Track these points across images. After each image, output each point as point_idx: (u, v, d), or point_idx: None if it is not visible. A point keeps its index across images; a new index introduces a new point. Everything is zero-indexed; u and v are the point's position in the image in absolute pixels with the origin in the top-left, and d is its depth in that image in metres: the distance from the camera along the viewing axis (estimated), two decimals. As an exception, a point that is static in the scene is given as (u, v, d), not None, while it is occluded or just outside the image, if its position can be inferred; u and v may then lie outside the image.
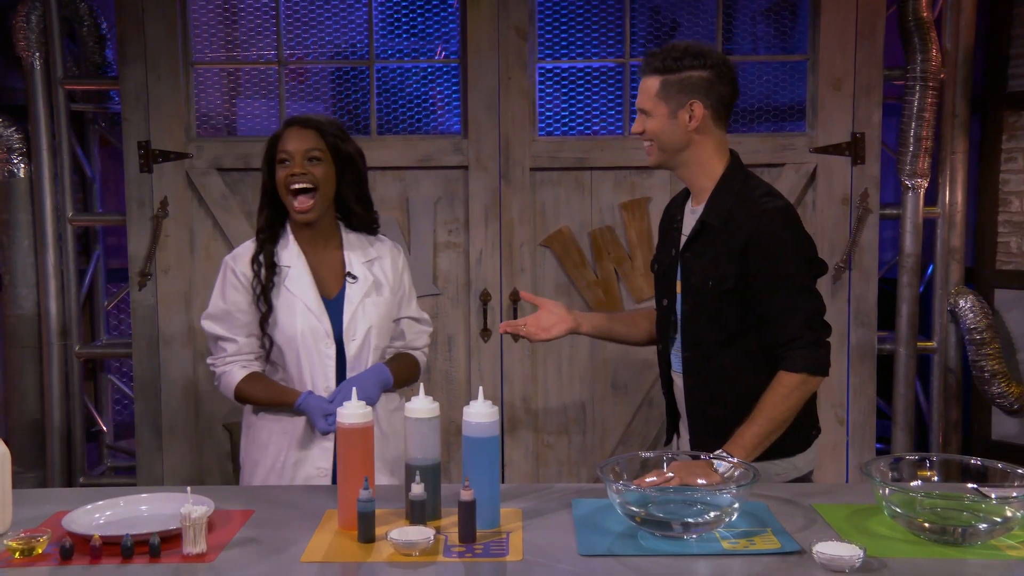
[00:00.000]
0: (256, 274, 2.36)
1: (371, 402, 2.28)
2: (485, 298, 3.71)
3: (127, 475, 4.06)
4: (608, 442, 3.80)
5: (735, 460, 2.00)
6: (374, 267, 2.48)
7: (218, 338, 2.40)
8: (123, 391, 4.20)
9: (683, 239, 2.30)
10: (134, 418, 3.86)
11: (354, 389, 1.95)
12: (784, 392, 2.12)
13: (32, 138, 3.77)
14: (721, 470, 1.98)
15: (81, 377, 3.91)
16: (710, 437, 2.22)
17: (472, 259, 3.72)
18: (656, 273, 2.42)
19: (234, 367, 2.39)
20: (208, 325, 2.41)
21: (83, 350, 3.89)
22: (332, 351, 2.38)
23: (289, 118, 2.42)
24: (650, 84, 2.21)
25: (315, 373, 2.37)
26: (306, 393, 2.32)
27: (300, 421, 2.37)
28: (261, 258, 2.38)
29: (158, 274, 3.73)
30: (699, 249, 2.24)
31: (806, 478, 2.29)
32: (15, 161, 3.78)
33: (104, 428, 4.15)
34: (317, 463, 2.38)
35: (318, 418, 2.26)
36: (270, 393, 2.38)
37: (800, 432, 2.24)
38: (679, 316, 2.28)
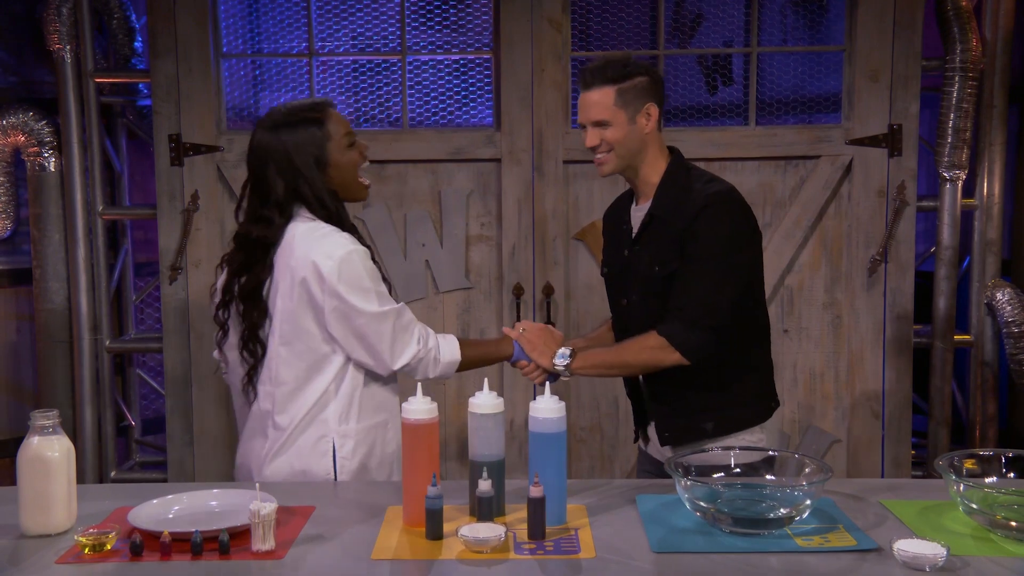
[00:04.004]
0: (381, 270, 2.32)
1: None
2: (518, 292, 3.69)
3: (156, 470, 4.05)
4: (641, 436, 3.78)
5: (569, 367, 2.28)
6: None
7: (403, 312, 2.27)
8: (150, 385, 4.18)
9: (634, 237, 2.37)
10: (161, 413, 3.84)
11: (419, 385, 1.93)
12: (642, 345, 2.24)
13: (63, 132, 3.74)
14: (558, 365, 2.29)
15: (110, 372, 3.90)
16: (673, 419, 2.33)
17: (505, 253, 3.70)
18: (608, 276, 2.49)
19: (436, 335, 2.34)
20: (386, 305, 2.23)
21: (113, 344, 3.87)
22: None
23: (322, 102, 2.32)
24: (604, 95, 2.26)
25: None
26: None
27: (393, 406, 2.35)
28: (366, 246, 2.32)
29: (189, 268, 3.71)
30: (647, 240, 2.32)
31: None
32: (46, 155, 3.76)
33: (132, 423, 4.13)
34: None
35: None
36: (481, 350, 2.42)
37: (759, 406, 2.34)
38: (633, 309, 2.36)
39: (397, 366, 2.26)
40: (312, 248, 2.21)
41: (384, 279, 2.32)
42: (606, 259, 2.50)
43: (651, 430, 2.41)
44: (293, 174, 2.25)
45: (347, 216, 2.33)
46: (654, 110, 2.27)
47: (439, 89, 3.84)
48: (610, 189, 3.70)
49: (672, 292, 2.24)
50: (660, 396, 2.36)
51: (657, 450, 2.40)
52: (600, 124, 2.27)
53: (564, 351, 2.29)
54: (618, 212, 2.48)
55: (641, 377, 2.39)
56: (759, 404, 2.35)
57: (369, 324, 2.22)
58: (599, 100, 2.25)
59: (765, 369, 2.38)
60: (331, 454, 2.27)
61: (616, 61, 2.27)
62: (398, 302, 2.30)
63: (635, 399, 2.48)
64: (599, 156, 2.31)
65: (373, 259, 2.30)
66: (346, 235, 2.26)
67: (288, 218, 2.28)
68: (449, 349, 2.34)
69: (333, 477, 2.27)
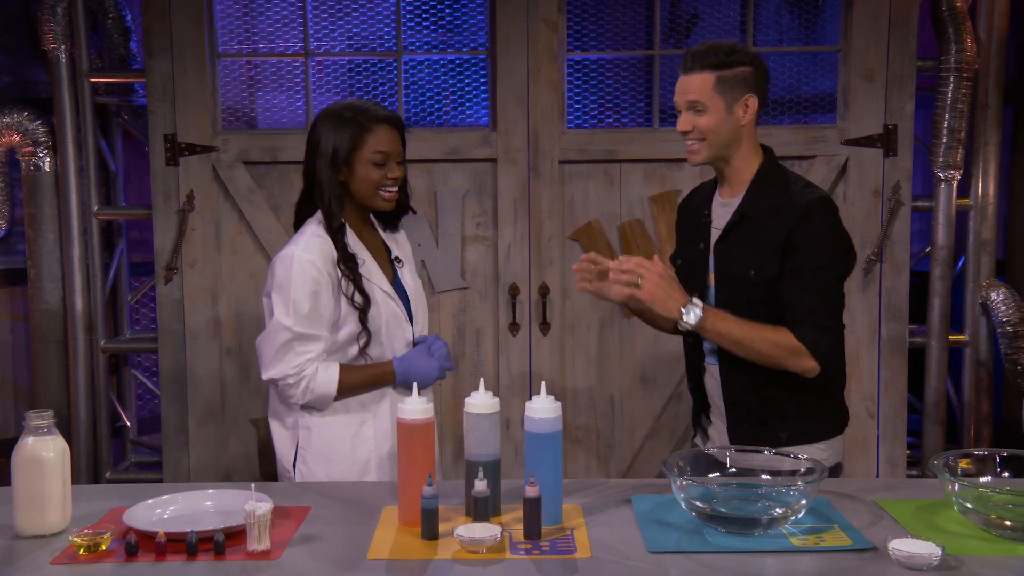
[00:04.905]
0: (344, 272, 2.31)
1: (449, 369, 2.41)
2: (514, 292, 3.69)
3: (151, 470, 4.04)
4: (637, 436, 3.79)
5: (698, 317, 2.11)
6: (401, 252, 2.53)
7: (307, 338, 2.27)
8: (145, 385, 4.17)
9: (714, 231, 2.31)
10: (156, 413, 3.83)
11: (415, 385, 1.93)
12: (776, 338, 2.15)
13: (58, 132, 3.73)
14: (688, 322, 2.10)
15: (106, 372, 3.89)
16: (747, 424, 2.28)
17: (501, 252, 3.70)
18: (680, 268, 2.42)
19: (321, 364, 2.29)
20: (297, 326, 2.26)
21: (109, 344, 3.86)
22: (410, 334, 2.42)
23: (376, 112, 2.33)
24: (704, 80, 2.21)
25: (397, 355, 2.40)
26: (395, 360, 2.35)
27: (379, 406, 2.37)
28: (345, 254, 2.32)
29: (184, 268, 3.71)
30: (736, 239, 2.26)
31: (836, 469, 2.30)
32: (41, 155, 3.75)
33: (128, 423, 4.12)
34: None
35: (434, 370, 2.34)
36: (366, 375, 2.35)
37: (835, 418, 2.31)
38: (713, 306, 2.29)
39: (265, 376, 2.31)
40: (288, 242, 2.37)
41: (363, 299, 2.32)
42: (680, 250, 2.45)
43: (714, 430, 2.37)
44: (314, 157, 2.33)
45: (337, 217, 2.33)
46: (753, 102, 2.22)
47: (435, 89, 3.84)
48: (606, 189, 3.71)
49: (791, 299, 2.17)
50: (738, 399, 2.29)
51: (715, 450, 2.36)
52: (695, 109, 2.22)
53: (696, 304, 2.12)
54: (696, 202, 2.42)
55: (720, 375, 2.31)
56: (835, 417, 2.32)
57: (270, 326, 2.29)
58: (698, 85, 2.21)
59: (842, 381, 2.33)
60: (296, 444, 2.37)
61: (721, 47, 2.22)
62: (368, 335, 2.32)
63: (699, 397, 2.41)
64: (691, 144, 2.26)
65: (350, 274, 2.31)
66: (312, 240, 2.30)
67: (312, 204, 2.37)
68: (326, 380, 2.29)
69: (292, 465, 2.37)
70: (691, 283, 2.34)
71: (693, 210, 2.42)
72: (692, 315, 2.12)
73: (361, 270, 2.34)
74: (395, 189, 2.36)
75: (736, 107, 2.21)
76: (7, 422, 3.93)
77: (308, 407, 2.35)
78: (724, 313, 2.17)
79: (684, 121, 2.25)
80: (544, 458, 1.85)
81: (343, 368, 2.32)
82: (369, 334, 2.34)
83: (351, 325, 2.33)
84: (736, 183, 2.29)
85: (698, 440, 2.47)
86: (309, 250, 2.29)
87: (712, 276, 2.31)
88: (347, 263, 2.31)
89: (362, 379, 2.34)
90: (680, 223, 2.50)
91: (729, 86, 2.21)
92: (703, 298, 2.30)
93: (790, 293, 2.19)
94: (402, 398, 2.35)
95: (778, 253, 2.18)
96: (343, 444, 2.35)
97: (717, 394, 2.34)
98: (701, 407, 2.42)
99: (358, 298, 2.31)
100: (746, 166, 2.27)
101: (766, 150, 2.31)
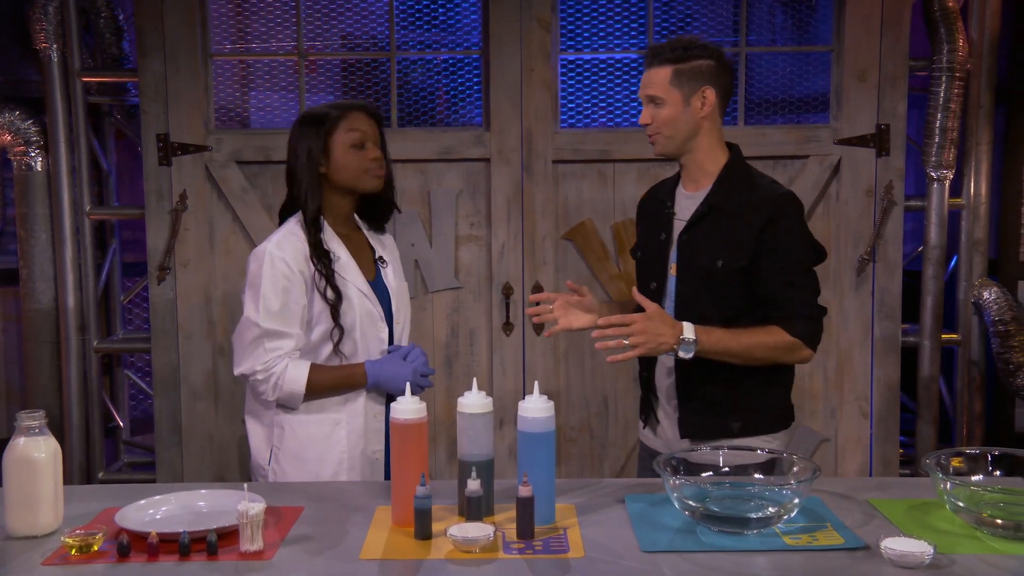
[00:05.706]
0: (316, 267, 2.33)
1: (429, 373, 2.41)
2: (507, 291, 3.69)
3: (145, 471, 4.03)
4: (630, 436, 3.79)
5: (691, 350, 2.14)
6: (387, 253, 2.53)
7: (276, 335, 2.29)
8: (138, 386, 4.16)
9: (678, 223, 2.35)
10: (149, 413, 3.82)
11: (407, 386, 1.93)
12: (772, 341, 2.20)
13: (50, 131, 3.72)
14: (684, 353, 2.13)
15: (98, 372, 3.88)
16: (700, 415, 2.31)
17: (494, 252, 3.70)
18: (641, 259, 2.48)
19: (291, 362, 2.30)
20: (266, 322, 2.29)
21: (101, 345, 3.85)
22: (385, 334, 2.41)
23: (348, 103, 2.37)
24: (661, 73, 2.28)
25: (372, 357, 2.39)
26: (368, 363, 2.34)
27: (353, 408, 2.37)
28: (318, 249, 2.34)
29: (177, 268, 3.70)
30: (703, 231, 2.29)
31: None
32: (33, 154, 3.74)
33: (121, 423, 4.12)
34: (372, 447, 2.39)
35: (406, 375, 2.28)
36: (337, 376, 2.34)
37: (783, 411, 2.36)
38: (674, 298, 2.34)
39: (236, 372, 2.35)
40: None
41: (334, 294, 2.33)
42: (640, 242, 2.49)
43: (666, 420, 2.38)
44: (293, 158, 2.38)
45: (312, 208, 2.36)
46: (710, 93, 2.26)
47: (428, 89, 3.84)
48: (599, 189, 3.71)
49: (774, 296, 2.22)
50: (691, 390, 2.32)
51: (664, 443, 2.38)
52: (655, 102, 2.28)
53: (687, 338, 2.14)
54: (659, 196, 2.46)
55: (675, 366, 2.33)
56: (785, 409, 2.37)
57: (241, 323, 2.33)
58: (655, 78, 2.27)
59: (792, 375, 2.38)
60: (271, 443, 2.38)
61: (680, 42, 2.28)
62: (340, 331, 2.33)
63: (647, 388, 2.44)
64: (651, 136, 2.32)
65: (322, 269, 2.32)
66: (287, 237, 2.33)
67: (310, 195, 2.37)
68: (295, 377, 2.30)
69: (267, 464, 2.38)
70: (652, 274, 2.40)
71: (656, 203, 2.46)
72: (687, 348, 2.15)
73: (336, 267, 2.36)
74: (381, 171, 2.38)
75: (694, 99, 2.27)
76: (-1, 422, 3.93)
77: (282, 406, 2.36)
78: (714, 330, 2.18)
79: (644, 114, 2.32)
80: (537, 457, 1.85)
81: (314, 367, 2.32)
82: (342, 330, 2.34)
83: (324, 323, 2.34)
84: (700, 176, 2.33)
85: (647, 431, 2.47)
86: (282, 247, 2.32)
87: (674, 267, 2.34)
88: (320, 258, 2.33)
89: (333, 379, 2.34)
90: (641, 216, 2.55)
91: (686, 79, 2.26)
92: (663, 288, 2.35)
93: (772, 290, 2.23)
94: (376, 402, 2.39)
95: (748, 247, 2.23)
96: (316, 444, 2.36)
97: (670, 385, 2.36)
98: (650, 397, 2.44)
99: (330, 293, 2.32)
100: (710, 159, 2.32)
101: (732, 147, 2.36)
